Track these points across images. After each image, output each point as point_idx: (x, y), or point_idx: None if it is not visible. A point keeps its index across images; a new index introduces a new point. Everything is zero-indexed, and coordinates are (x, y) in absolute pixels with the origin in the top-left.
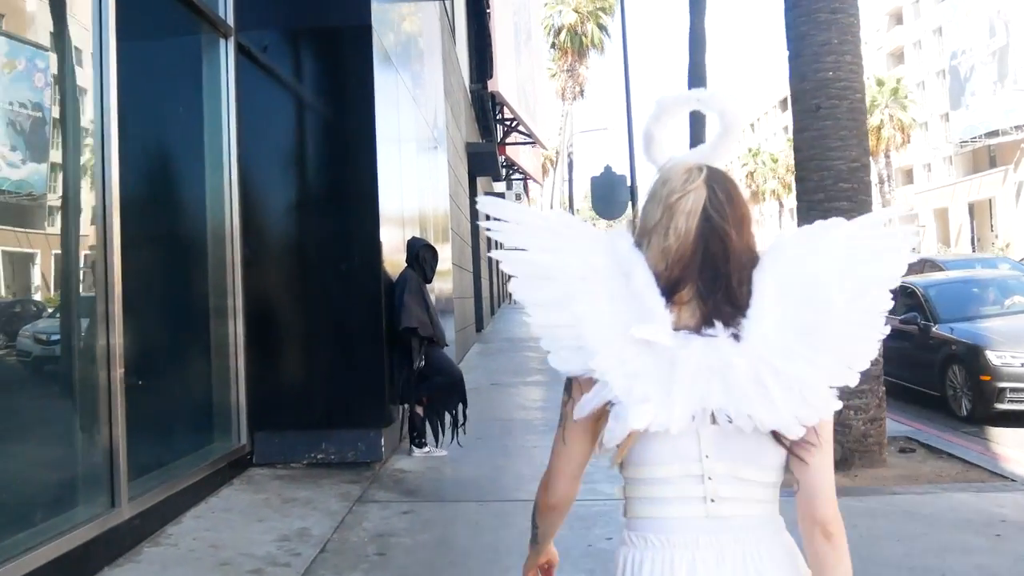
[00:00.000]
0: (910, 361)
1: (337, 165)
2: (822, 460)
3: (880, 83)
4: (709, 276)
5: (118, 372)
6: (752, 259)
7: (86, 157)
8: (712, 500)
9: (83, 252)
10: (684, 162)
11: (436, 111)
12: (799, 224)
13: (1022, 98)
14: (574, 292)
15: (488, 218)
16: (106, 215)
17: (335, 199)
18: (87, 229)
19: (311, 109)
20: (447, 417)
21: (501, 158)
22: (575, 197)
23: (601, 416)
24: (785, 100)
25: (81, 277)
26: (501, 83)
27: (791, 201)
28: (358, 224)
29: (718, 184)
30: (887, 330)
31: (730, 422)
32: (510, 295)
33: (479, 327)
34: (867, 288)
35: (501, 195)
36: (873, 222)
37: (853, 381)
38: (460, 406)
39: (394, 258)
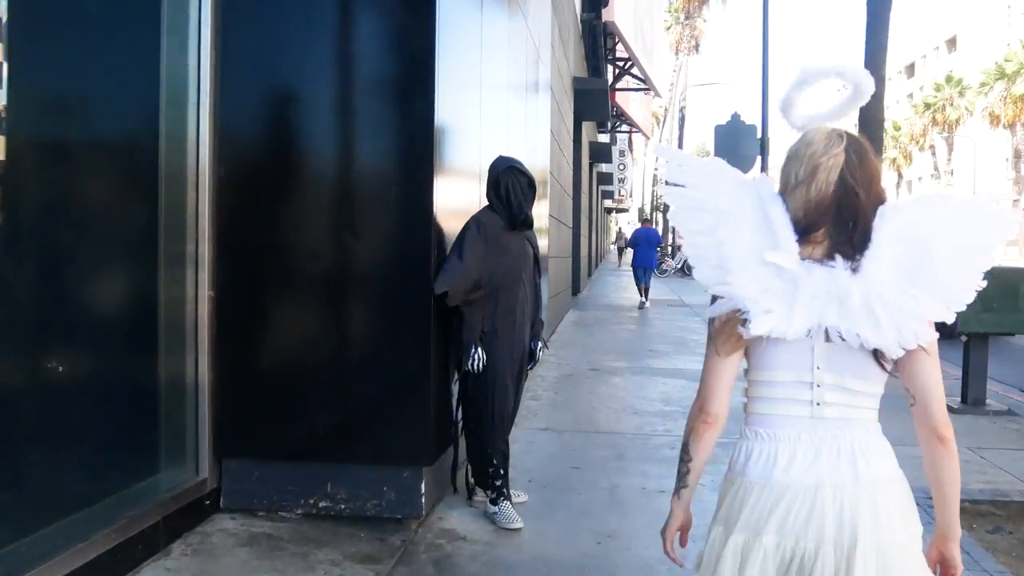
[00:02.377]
0: None
1: (377, 71)
2: (930, 376)
3: None
4: (839, 223)
5: None
6: (865, 213)
7: None
8: (818, 404)
9: None
10: (823, 126)
11: (540, 23)
12: None
13: None
14: (720, 222)
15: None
16: None
17: (372, 121)
18: None
19: None
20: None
21: (610, 105)
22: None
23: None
24: (912, 66)
25: None
26: (618, 13)
27: (911, 172)
28: (402, 155)
29: (854, 150)
30: (984, 283)
31: (842, 339)
32: (621, 257)
33: (575, 291)
34: (970, 248)
35: (608, 146)
36: (985, 198)
37: (950, 319)
38: (489, 460)
39: (461, 212)
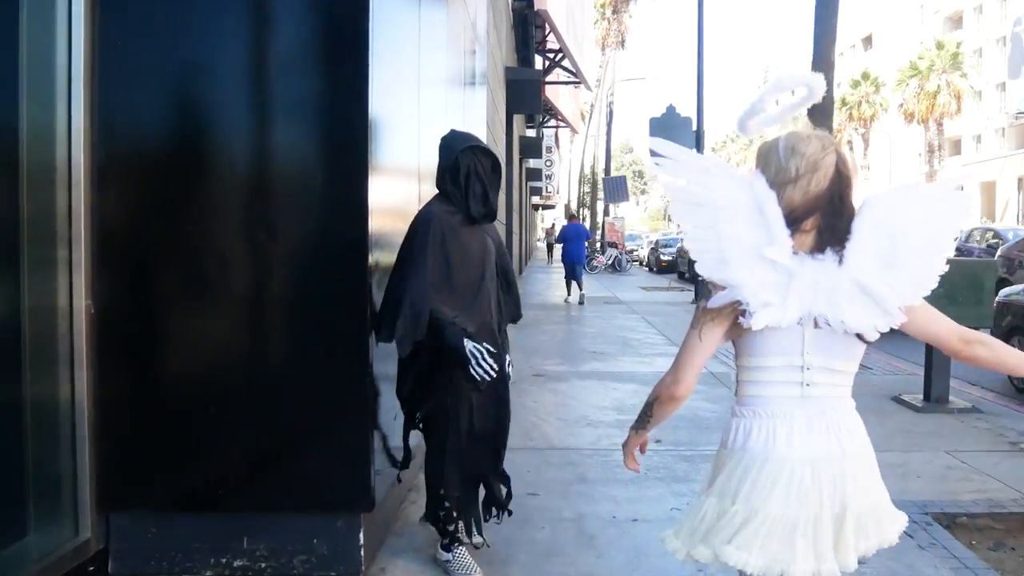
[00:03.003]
0: None
1: (300, 42)
2: (930, 326)
3: (940, 46)
4: (829, 213)
5: None
6: (851, 205)
7: None
8: (807, 384)
9: None
10: (811, 130)
11: (476, 8)
12: None
13: None
14: (719, 217)
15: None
16: None
17: (293, 101)
18: None
19: None
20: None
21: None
22: (612, 151)
23: (728, 317)
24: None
25: None
26: (550, 1)
27: None
28: (330, 141)
29: (840, 151)
30: (947, 267)
31: (828, 325)
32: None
33: None
34: (935, 235)
35: (538, 141)
36: (946, 186)
37: (919, 301)
38: (441, 503)
39: (398, 207)
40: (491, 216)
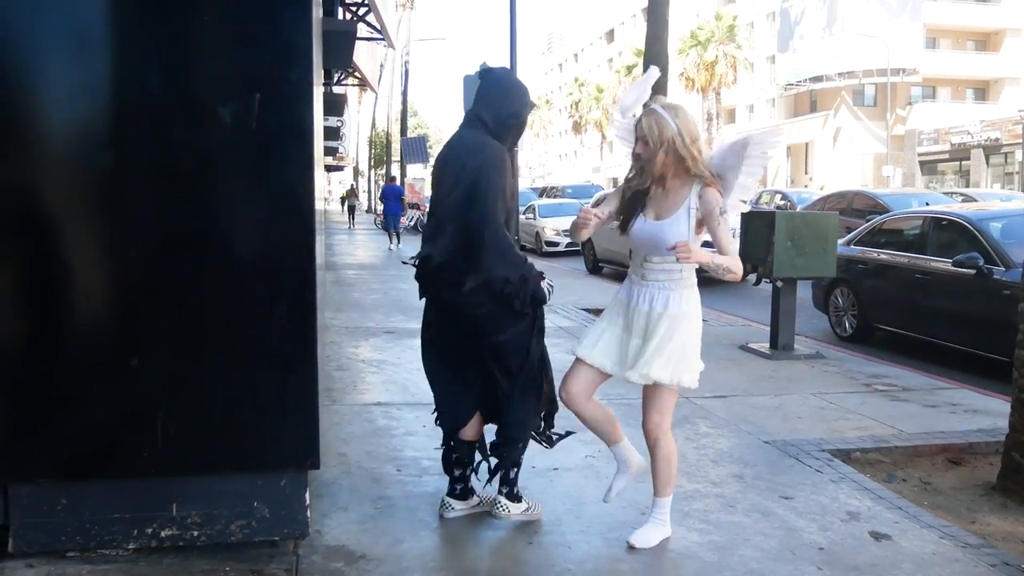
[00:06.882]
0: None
1: None
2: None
3: (718, 17)
4: None
5: None
6: None
7: None
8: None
9: None
10: (664, 101)
11: None
12: None
13: (847, 45)
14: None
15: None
16: None
17: None
18: None
19: None
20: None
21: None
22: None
23: None
24: (612, 32)
25: None
26: None
27: (612, 132)
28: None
29: None
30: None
31: None
32: None
33: None
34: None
35: (340, 98)
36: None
37: None
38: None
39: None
40: None
